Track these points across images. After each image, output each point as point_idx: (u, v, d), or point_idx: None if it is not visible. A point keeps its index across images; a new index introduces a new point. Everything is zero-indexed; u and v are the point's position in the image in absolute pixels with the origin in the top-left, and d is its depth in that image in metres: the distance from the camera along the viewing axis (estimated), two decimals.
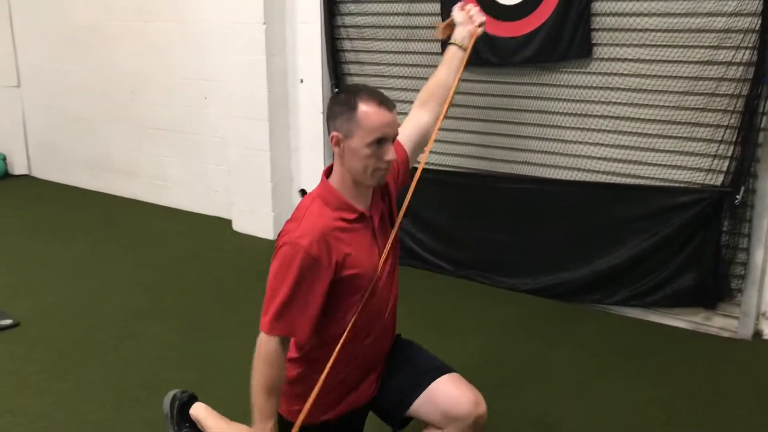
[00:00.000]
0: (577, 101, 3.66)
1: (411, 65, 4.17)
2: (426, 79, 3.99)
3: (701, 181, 3.39)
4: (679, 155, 3.43)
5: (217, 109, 5.07)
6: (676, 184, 3.46)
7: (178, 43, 5.22)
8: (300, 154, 4.82)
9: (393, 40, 4.21)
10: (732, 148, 3.26)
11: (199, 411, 2.34)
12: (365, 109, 1.79)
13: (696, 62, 3.30)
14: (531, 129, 3.83)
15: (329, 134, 1.87)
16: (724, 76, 3.23)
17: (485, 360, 3.20)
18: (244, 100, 4.71)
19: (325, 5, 4.36)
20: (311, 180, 4.69)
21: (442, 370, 1.99)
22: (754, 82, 3.13)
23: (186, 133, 5.39)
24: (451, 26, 2.48)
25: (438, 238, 4.18)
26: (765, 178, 3.21)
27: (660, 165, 3.49)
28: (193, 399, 2.39)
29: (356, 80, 4.41)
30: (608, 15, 3.48)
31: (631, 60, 3.46)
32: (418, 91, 4.01)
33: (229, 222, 5.12)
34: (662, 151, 3.48)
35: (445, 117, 2.26)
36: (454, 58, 2.32)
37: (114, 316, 3.65)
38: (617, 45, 3.48)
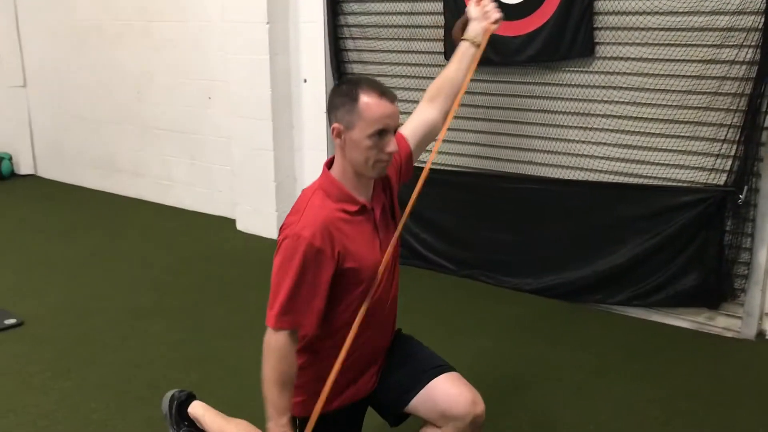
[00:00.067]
0: (580, 100, 3.65)
1: (414, 64, 4.17)
2: (429, 78, 4.08)
3: (704, 181, 3.38)
4: (682, 154, 3.42)
5: (221, 109, 5.08)
6: (679, 184, 3.45)
7: (182, 43, 5.24)
8: (303, 153, 4.83)
9: (396, 39, 4.21)
10: (735, 147, 3.24)
11: (197, 409, 2.36)
12: (366, 100, 1.78)
13: (699, 61, 3.29)
14: (533, 128, 3.82)
15: (330, 126, 1.86)
16: (727, 75, 3.22)
17: (488, 359, 3.20)
18: (248, 100, 4.72)
19: (329, 5, 4.37)
20: (315, 179, 4.68)
21: (442, 368, 1.99)
22: (757, 81, 3.12)
23: (190, 133, 5.41)
24: (466, 22, 2.38)
25: (441, 238, 4.18)
26: None
27: (663, 164, 3.48)
28: (191, 398, 2.40)
29: None
30: (611, 14, 3.47)
31: (633, 59, 3.45)
32: (421, 90, 4.08)
33: (233, 221, 5.13)
34: (665, 150, 3.47)
35: (429, 142, 2.22)
36: (465, 55, 2.24)
37: (118, 316, 3.67)
38: (620, 44, 3.47)
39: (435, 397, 1.93)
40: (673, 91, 3.38)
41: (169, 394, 2.41)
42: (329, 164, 1.92)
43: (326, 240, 1.76)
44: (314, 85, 4.63)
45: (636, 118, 3.51)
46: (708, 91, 3.29)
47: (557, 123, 3.75)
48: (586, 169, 3.71)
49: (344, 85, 1.87)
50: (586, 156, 3.69)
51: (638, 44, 3.42)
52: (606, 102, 3.58)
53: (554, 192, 3.78)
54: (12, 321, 3.54)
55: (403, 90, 4.15)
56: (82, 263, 4.47)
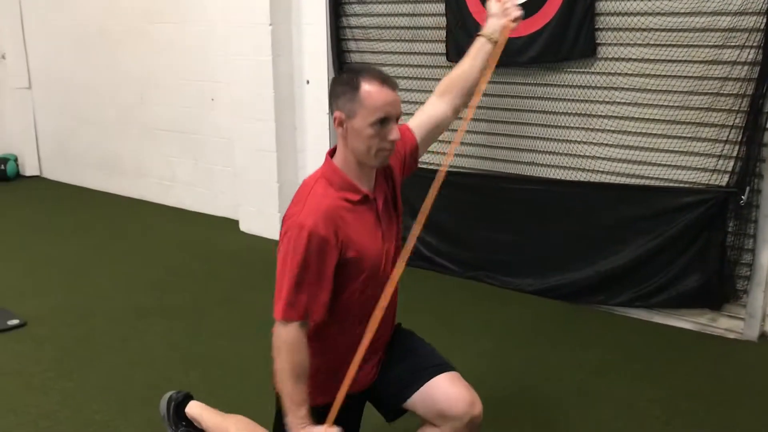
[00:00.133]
0: (582, 101, 3.65)
1: (416, 66, 4.17)
2: (431, 79, 4.09)
3: (706, 182, 3.37)
4: (684, 155, 3.41)
5: (224, 110, 5.10)
6: (681, 185, 3.44)
7: (185, 45, 5.26)
8: (306, 154, 4.83)
9: (398, 41, 4.22)
10: (737, 148, 3.23)
11: (194, 409, 2.36)
12: (368, 88, 1.77)
13: (700, 62, 3.28)
14: (535, 129, 3.82)
15: (332, 115, 1.85)
16: (729, 76, 3.21)
17: (490, 359, 3.20)
18: (251, 101, 4.74)
19: (331, 6, 4.38)
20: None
21: (442, 367, 1.98)
22: (759, 82, 3.11)
23: (193, 135, 5.43)
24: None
25: (444, 239, 4.18)
26: None
27: (664, 165, 3.47)
28: (188, 398, 2.41)
29: None
30: (612, 14, 3.47)
31: (635, 60, 3.45)
32: (423, 91, 4.10)
33: (236, 222, 5.14)
34: (667, 151, 3.46)
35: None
36: (481, 51, 2.13)
37: (120, 316, 3.68)
38: (621, 45, 3.47)
39: (434, 396, 1.92)
40: (675, 91, 3.38)
41: (166, 395, 2.42)
42: (332, 153, 1.91)
43: (330, 228, 1.75)
44: (317, 86, 4.64)
45: (638, 119, 3.50)
46: (710, 91, 3.28)
47: (559, 124, 3.74)
48: (588, 170, 3.71)
49: (345, 74, 1.85)
50: (588, 157, 3.69)
51: (640, 45, 3.42)
52: (608, 103, 3.57)
53: (556, 193, 3.78)
54: (15, 322, 3.56)
55: (405, 91, 4.15)
56: (85, 263, 4.48)
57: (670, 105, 3.40)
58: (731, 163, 3.27)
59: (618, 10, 3.45)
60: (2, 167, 6.56)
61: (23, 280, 4.23)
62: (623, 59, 3.48)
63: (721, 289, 3.40)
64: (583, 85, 3.62)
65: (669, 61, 3.36)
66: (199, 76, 5.24)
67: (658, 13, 3.34)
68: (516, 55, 3.69)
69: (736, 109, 3.21)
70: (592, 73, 3.58)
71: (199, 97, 5.28)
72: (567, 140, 3.74)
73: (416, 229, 1.84)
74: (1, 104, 6.65)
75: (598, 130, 3.64)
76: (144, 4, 5.44)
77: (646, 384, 2.97)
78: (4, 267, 4.45)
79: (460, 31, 3.87)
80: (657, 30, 3.36)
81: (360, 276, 1.85)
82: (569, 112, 3.70)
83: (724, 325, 3.43)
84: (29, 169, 6.78)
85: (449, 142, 3.88)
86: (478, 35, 2.16)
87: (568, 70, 3.64)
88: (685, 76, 3.33)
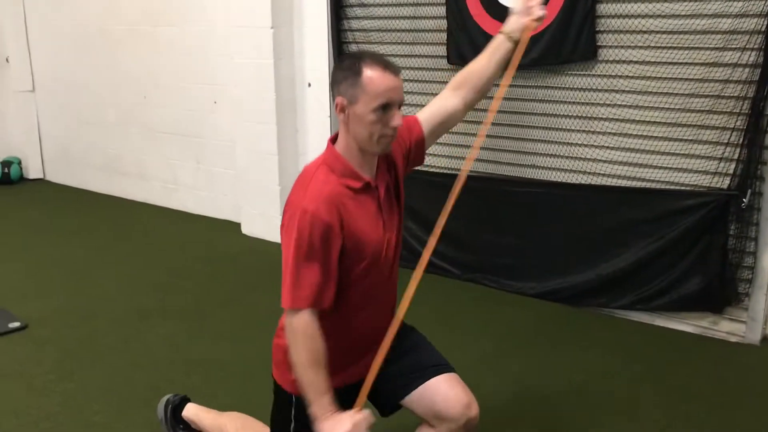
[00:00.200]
0: (583, 104, 3.64)
1: (417, 69, 4.17)
2: (432, 82, 4.09)
3: (707, 184, 3.36)
4: (685, 158, 3.41)
5: (225, 113, 5.11)
6: (682, 187, 3.43)
7: (187, 48, 5.28)
8: (308, 157, 4.83)
9: (399, 43, 4.22)
10: (738, 150, 3.22)
11: (190, 411, 2.37)
12: (370, 74, 1.75)
13: (701, 64, 3.27)
14: (536, 132, 3.82)
15: (333, 101, 1.83)
16: (730, 78, 3.20)
17: (490, 362, 3.19)
18: (252, 104, 4.75)
19: (332, 9, 4.39)
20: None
21: (442, 368, 1.97)
22: (761, 84, 3.10)
23: (195, 137, 5.44)
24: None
25: (444, 242, 4.17)
26: None
27: (666, 168, 3.47)
28: (185, 401, 2.42)
29: None
30: (613, 17, 3.46)
31: (636, 62, 3.44)
32: (424, 94, 4.10)
33: (237, 225, 5.14)
34: (668, 153, 3.45)
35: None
36: (499, 49, 2.07)
37: (122, 318, 3.69)
38: (622, 47, 3.47)
39: (431, 396, 1.92)
40: (676, 94, 3.37)
41: (164, 399, 2.43)
42: (333, 140, 1.89)
43: (333, 214, 1.74)
44: (318, 89, 4.64)
45: (639, 121, 3.50)
46: (711, 94, 3.27)
47: (560, 126, 3.74)
48: (589, 173, 3.70)
49: (347, 59, 1.83)
50: (589, 159, 3.68)
51: (641, 47, 3.41)
52: (609, 105, 3.57)
53: (557, 196, 3.77)
54: (16, 324, 3.57)
55: (406, 94, 4.10)
56: (88, 266, 4.50)
57: (671, 107, 3.39)
58: (732, 166, 3.26)
59: (619, 13, 3.44)
60: (6, 170, 6.59)
61: (26, 281, 4.24)
62: (624, 62, 3.48)
63: (723, 293, 3.39)
64: (584, 87, 3.61)
65: (670, 63, 3.35)
66: (200, 79, 5.25)
67: (658, 16, 3.33)
68: None
69: (737, 111, 3.20)
70: (593, 75, 3.58)
71: (200, 99, 5.29)
72: (568, 143, 3.74)
73: (436, 230, 1.85)
74: (4, 107, 6.67)
75: (599, 132, 3.63)
76: (146, 7, 5.46)
77: (647, 387, 2.97)
78: (8, 269, 4.47)
79: (461, 34, 3.87)
80: (658, 32, 3.35)
81: (361, 263, 1.83)
82: (570, 114, 3.70)
83: (726, 328, 3.42)
84: (33, 172, 6.80)
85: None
86: (499, 32, 2.10)
87: (569, 72, 3.64)
88: (686, 79, 3.32)
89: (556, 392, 2.94)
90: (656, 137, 3.47)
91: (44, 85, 6.55)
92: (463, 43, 3.88)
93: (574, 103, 3.67)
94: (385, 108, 1.77)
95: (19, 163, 6.72)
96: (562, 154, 3.77)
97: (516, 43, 2.06)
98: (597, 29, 3.49)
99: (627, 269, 3.58)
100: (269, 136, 4.71)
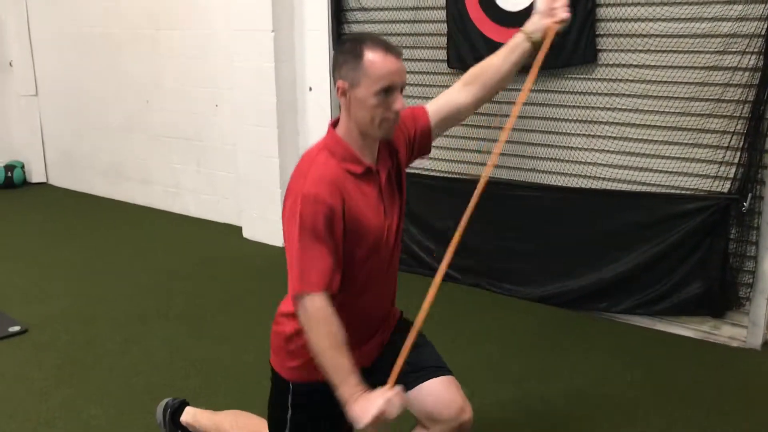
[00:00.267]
0: (583, 108, 3.64)
1: (417, 72, 4.17)
2: (433, 86, 4.09)
3: (708, 188, 3.35)
4: (685, 162, 3.40)
5: (227, 117, 5.12)
6: (683, 191, 3.42)
7: (189, 51, 5.29)
8: None
9: (399, 47, 4.21)
10: (739, 154, 3.22)
11: (189, 415, 2.37)
12: (371, 57, 1.72)
13: (701, 68, 3.27)
14: (536, 136, 3.81)
15: (335, 84, 1.80)
16: (730, 82, 3.20)
17: (491, 366, 3.19)
18: (253, 108, 4.75)
19: (333, 13, 4.40)
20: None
21: (440, 370, 1.96)
22: (761, 88, 3.10)
23: (196, 141, 5.45)
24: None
25: (446, 246, 4.15)
26: None
27: (666, 172, 3.46)
28: (183, 405, 2.42)
29: None
30: (613, 20, 3.46)
31: (636, 66, 3.44)
32: (425, 98, 4.09)
33: (239, 229, 5.15)
34: (668, 157, 3.44)
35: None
36: (517, 48, 1.99)
37: (123, 322, 3.69)
38: (622, 51, 3.46)
39: (426, 397, 1.92)
40: (676, 98, 3.36)
41: (163, 402, 2.43)
42: (334, 124, 1.86)
43: (336, 197, 1.71)
44: (319, 92, 4.64)
45: (639, 125, 3.49)
46: (711, 98, 3.27)
47: (560, 130, 3.73)
48: (589, 177, 3.69)
49: (348, 42, 1.80)
50: (589, 163, 3.68)
51: (641, 51, 3.41)
52: (609, 109, 3.56)
53: (558, 200, 3.77)
54: (16, 328, 3.57)
55: (407, 98, 4.12)
56: (89, 269, 4.50)
57: (672, 111, 3.39)
58: (733, 170, 3.25)
59: (619, 16, 3.43)
60: (9, 174, 6.60)
61: (28, 285, 4.25)
62: (624, 65, 3.47)
63: (724, 297, 3.37)
64: (584, 91, 3.61)
65: (670, 67, 3.34)
66: (201, 82, 5.26)
67: (658, 19, 3.33)
68: None
69: (738, 115, 3.20)
70: (593, 79, 3.57)
71: (202, 103, 5.30)
72: (568, 147, 3.73)
73: (456, 236, 1.83)
74: (8, 111, 6.70)
75: (599, 136, 3.62)
76: (148, 11, 5.47)
77: (648, 391, 2.96)
78: (11, 272, 4.48)
79: (461, 38, 3.87)
80: (658, 36, 3.35)
81: (362, 248, 1.80)
82: (570, 118, 3.69)
83: (727, 333, 3.40)
84: (36, 176, 6.81)
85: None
86: (519, 30, 2.01)
87: (569, 76, 3.64)
88: (686, 82, 3.32)
89: (556, 396, 2.94)
90: (656, 141, 3.46)
91: (47, 89, 6.57)
92: (464, 47, 3.88)
93: (574, 106, 3.66)
94: (387, 91, 1.74)
95: (23, 167, 6.73)
96: (562, 158, 3.76)
97: (535, 44, 1.97)
98: (597, 33, 3.49)
99: (627, 273, 3.57)
100: (270, 139, 4.72)
